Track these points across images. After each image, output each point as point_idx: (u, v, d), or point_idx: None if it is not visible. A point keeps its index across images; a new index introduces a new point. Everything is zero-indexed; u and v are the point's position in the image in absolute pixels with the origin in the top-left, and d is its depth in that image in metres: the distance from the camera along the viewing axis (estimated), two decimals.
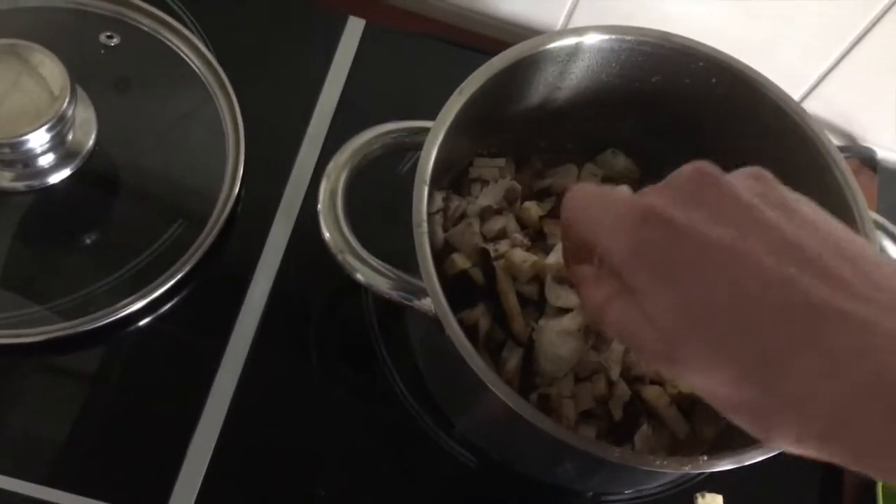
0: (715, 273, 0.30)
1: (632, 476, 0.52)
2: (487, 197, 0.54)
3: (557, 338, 0.50)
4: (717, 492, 0.55)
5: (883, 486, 0.58)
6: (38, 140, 0.51)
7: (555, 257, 0.53)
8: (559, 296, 0.50)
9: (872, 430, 0.27)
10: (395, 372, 0.56)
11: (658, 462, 0.41)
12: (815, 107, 0.70)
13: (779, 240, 0.30)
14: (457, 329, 0.43)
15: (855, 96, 0.69)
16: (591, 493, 0.55)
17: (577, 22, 0.70)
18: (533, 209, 0.56)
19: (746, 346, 0.29)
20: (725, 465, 0.43)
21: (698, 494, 0.55)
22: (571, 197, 0.37)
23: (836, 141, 0.62)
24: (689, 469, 0.42)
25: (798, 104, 0.51)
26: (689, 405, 0.53)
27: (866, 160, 0.70)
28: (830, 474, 0.59)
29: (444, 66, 0.67)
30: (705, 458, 0.42)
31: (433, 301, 0.44)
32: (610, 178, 0.60)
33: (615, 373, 0.51)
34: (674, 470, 0.42)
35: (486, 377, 0.42)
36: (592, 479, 0.54)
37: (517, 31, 0.71)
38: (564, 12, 0.69)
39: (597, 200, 0.35)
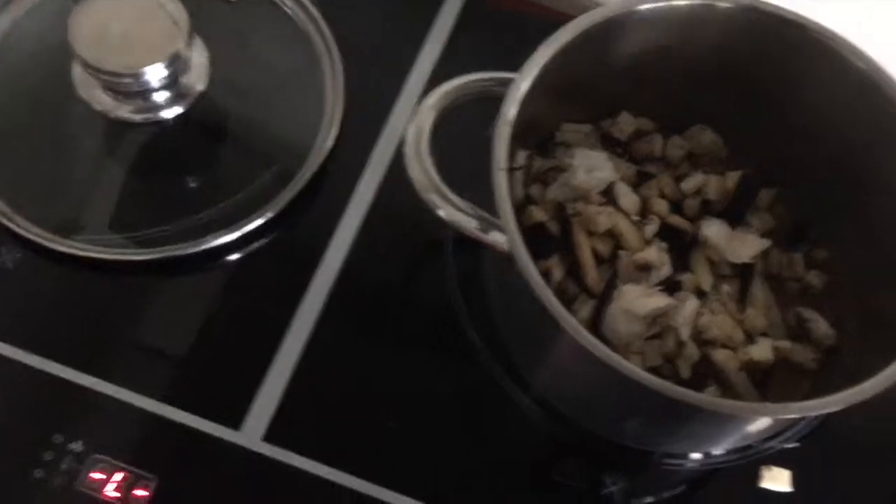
0: None
1: (698, 429, 0.51)
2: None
3: (623, 315, 0.50)
4: (785, 467, 0.55)
5: None
6: (155, 74, 0.56)
7: (629, 200, 0.54)
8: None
9: None
10: (474, 327, 0.57)
11: (739, 407, 0.41)
12: None
13: None
14: (528, 261, 0.44)
15: None
16: (656, 455, 0.55)
17: None
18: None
19: None
20: (824, 408, 0.43)
21: (765, 468, 0.55)
22: None
23: None
24: (779, 413, 0.42)
25: (888, 74, 0.50)
26: (763, 375, 0.53)
27: None
28: None
29: (539, 40, 0.68)
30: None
31: (507, 234, 0.45)
32: (694, 154, 0.60)
33: (685, 333, 0.51)
34: (757, 414, 0.41)
35: (557, 312, 0.43)
36: (656, 434, 0.53)
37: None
38: None
39: None
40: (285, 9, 0.65)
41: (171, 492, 0.50)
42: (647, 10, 0.51)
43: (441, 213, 0.49)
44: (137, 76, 0.55)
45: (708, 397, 0.42)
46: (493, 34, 0.69)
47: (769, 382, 0.53)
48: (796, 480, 0.55)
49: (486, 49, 0.68)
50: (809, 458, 0.55)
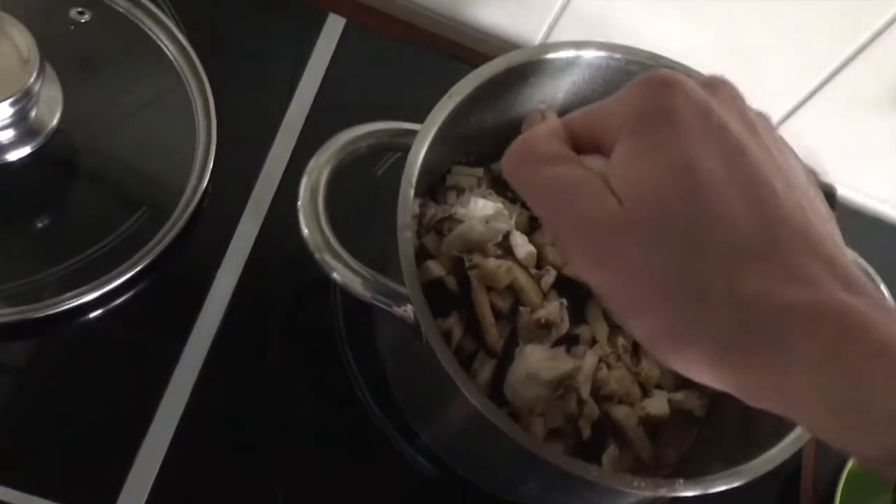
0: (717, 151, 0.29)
1: (597, 497, 0.51)
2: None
3: (527, 380, 0.49)
4: None
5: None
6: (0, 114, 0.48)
7: (525, 250, 0.52)
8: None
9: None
10: (360, 377, 0.55)
11: (636, 483, 0.41)
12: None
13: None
14: (438, 337, 0.42)
15: (820, 133, 0.70)
16: None
17: (556, 38, 0.70)
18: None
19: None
20: (700, 490, 0.43)
21: None
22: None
23: None
24: (665, 492, 0.42)
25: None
26: (654, 428, 0.54)
27: (827, 196, 0.72)
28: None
29: (422, 71, 0.66)
30: (682, 481, 0.42)
31: (416, 308, 0.43)
32: None
33: (585, 391, 0.51)
34: (650, 492, 0.42)
35: (465, 386, 0.41)
36: (553, 498, 0.53)
37: (496, 44, 0.71)
38: (544, 28, 0.69)
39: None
40: (144, 28, 0.59)
41: None
42: (553, 58, 0.50)
43: (335, 276, 0.46)
44: None
45: (624, 477, 0.42)
46: (374, 61, 0.66)
47: (660, 432, 0.54)
48: None
49: (368, 78, 0.65)
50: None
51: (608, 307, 0.31)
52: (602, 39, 0.52)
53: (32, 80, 0.49)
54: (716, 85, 0.31)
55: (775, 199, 0.28)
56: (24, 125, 0.51)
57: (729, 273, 0.27)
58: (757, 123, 0.31)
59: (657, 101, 0.29)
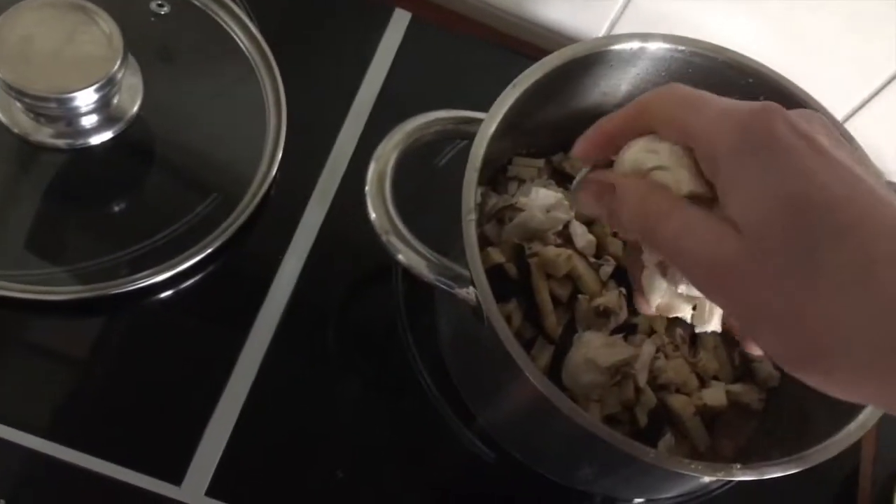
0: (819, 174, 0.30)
1: (650, 482, 0.52)
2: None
3: (585, 366, 0.50)
4: None
5: None
6: (85, 99, 0.51)
7: (585, 240, 0.53)
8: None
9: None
10: (420, 361, 0.56)
11: (693, 466, 0.41)
12: None
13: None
14: (500, 319, 0.43)
15: (885, 131, 0.69)
16: (599, 499, 0.55)
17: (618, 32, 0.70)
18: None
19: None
20: (756, 475, 0.43)
21: None
22: (664, 93, 0.35)
23: None
24: (723, 476, 0.42)
25: (847, 130, 0.51)
26: (711, 418, 0.54)
27: None
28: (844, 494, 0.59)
29: (484, 65, 0.67)
30: (739, 466, 0.42)
31: (479, 290, 0.44)
32: None
33: (643, 379, 0.51)
34: (708, 476, 0.42)
35: (527, 367, 0.42)
36: (608, 482, 0.53)
37: (558, 40, 0.72)
38: (606, 24, 0.70)
39: (695, 97, 0.34)
40: (220, 21, 0.61)
41: None
42: (619, 49, 0.51)
43: (400, 257, 0.47)
44: (65, 101, 0.50)
45: (681, 460, 0.42)
46: (437, 55, 0.67)
47: (717, 424, 0.54)
48: None
49: (431, 71, 0.66)
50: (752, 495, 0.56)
51: (737, 331, 0.33)
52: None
53: (116, 67, 0.51)
54: (810, 114, 0.32)
55: (883, 209, 0.29)
56: (106, 111, 0.54)
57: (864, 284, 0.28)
58: (854, 150, 0.32)
59: (761, 124, 0.31)
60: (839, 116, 0.70)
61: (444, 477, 0.55)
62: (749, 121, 0.31)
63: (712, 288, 0.32)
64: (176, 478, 0.49)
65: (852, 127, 0.70)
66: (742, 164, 0.31)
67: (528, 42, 0.73)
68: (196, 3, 0.61)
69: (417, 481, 0.54)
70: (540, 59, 0.50)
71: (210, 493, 0.49)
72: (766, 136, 0.30)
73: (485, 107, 0.49)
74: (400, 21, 0.66)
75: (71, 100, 0.50)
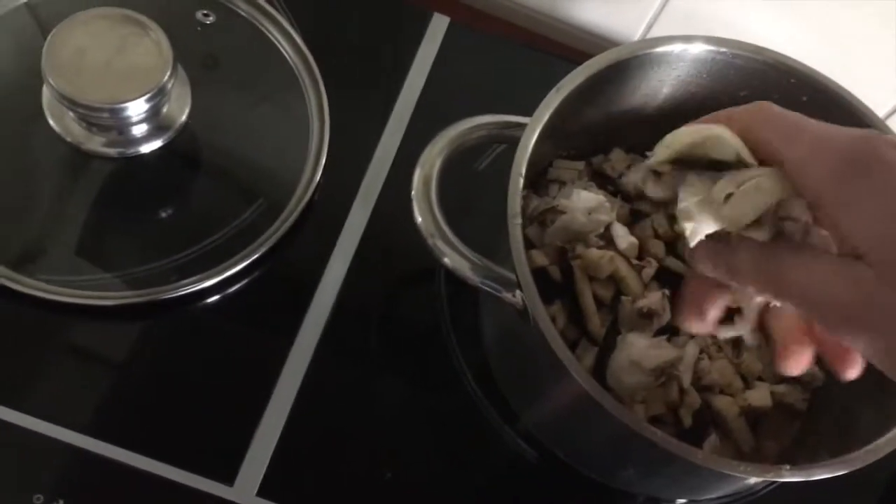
0: None
1: (696, 482, 0.52)
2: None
3: (629, 367, 0.50)
4: None
5: None
6: (136, 109, 0.52)
7: (627, 241, 0.54)
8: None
9: None
10: (463, 362, 0.56)
11: (742, 468, 0.41)
12: None
13: None
14: (547, 320, 0.43)
15: None
16: (642, 499, 0.56)
17: (655, 35, 0.71)
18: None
19: None
20: (804, 476, 0.43)
21: None
22: (755, 114, 0.36)
23: None
24: (772, 477, 0.42)
25: (891, 130, 0.51)
26: (755, 419, 0.54)
27: None
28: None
29: (522, 68, 0.68)
30: (788, 467, 0.42)
31: (525, 293, 0.44)
32: None
33: (687, 380, 0.51)
34: (756, 477, 0.42)
35: (573, 368, 0.43)
36: (652, 482, 0.54)
37: (595, 42, 0.72)
38: (643, 26, 0.70)
39: (788, 123, 0.34)
40: (264, 30, 0.62)
41: None
42: (661, 52, 0.51)
43: (447, 261, 0.48)
44: (117, 111, 0.51)
45: (730, 461, 0.42)
46: (474, 58, 0.68)
47: (761, 424, 0.54)
48: None
49: (470, 75, 0.67)
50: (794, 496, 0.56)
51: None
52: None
53: (166, 77, 0.52)
54: None
55: None
56: (156, 120, 0.55)
57: None
58: None
59: (866, 148, 0.31)
60: (881, 114, 0.69)
61: (488, 476, 0.56)
62: (852, 146, 0.31)
63: (852, 329, 0.32)
64: (228, 478, 0.50)
65: (894, 126, 0.70)
66: (853, 188, 0.31)
67: (563, 44, 0.73)
68: (240, 12, 0.62)
69: (461, 481, 0.55)
70: (575, 60, 0.51)
71: (261, 493, 0.50)
72: (874, 160, 0.31)
73: (522, 109, 0.49)
74: (438, 26, 0.67)
75: (123, 109, 0.51)
